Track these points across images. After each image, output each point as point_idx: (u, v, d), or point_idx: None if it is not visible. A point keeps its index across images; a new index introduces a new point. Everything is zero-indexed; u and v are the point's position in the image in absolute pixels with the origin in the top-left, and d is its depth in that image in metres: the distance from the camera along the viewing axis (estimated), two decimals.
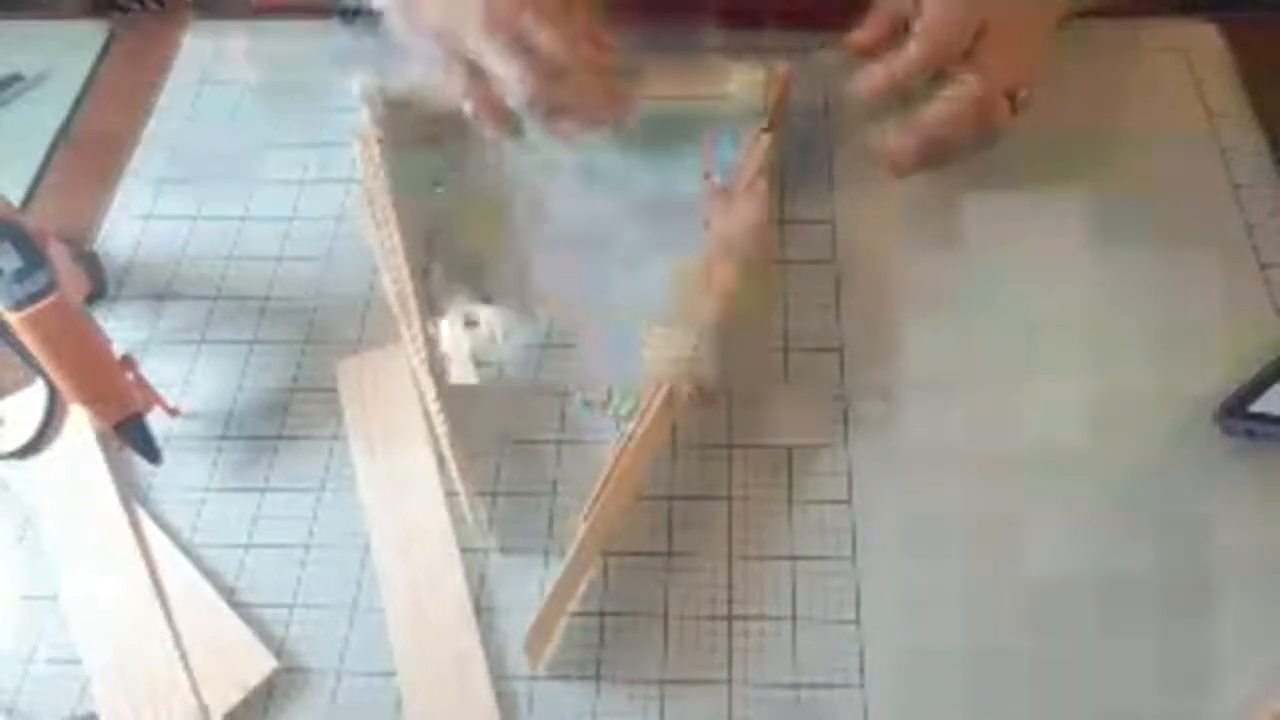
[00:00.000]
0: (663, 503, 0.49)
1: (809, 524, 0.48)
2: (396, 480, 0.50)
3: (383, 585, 0.47)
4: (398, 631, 0.46)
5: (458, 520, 0.48)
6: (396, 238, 0.54)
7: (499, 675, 0.45)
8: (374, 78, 0.60)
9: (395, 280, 0.53)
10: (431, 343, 0.52)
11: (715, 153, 0.59)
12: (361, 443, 0.51)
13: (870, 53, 0.55)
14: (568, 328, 0.54)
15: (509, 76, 0.51)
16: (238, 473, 0.51)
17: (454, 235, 0.58)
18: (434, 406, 0.50)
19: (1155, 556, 0.46)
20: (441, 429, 0.49)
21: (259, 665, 0.45)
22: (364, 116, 0.59)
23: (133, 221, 0.60)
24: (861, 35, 0.56)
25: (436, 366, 0.52)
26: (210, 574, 0.48)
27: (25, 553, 0.49)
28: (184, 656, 0.45)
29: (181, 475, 0.51)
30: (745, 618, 0.46)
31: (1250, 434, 0.48)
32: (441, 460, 0.50)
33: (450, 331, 0.54)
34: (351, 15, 0.67)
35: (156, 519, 0.49)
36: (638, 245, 0.57)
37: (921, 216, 0.57)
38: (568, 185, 0.60)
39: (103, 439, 0.51)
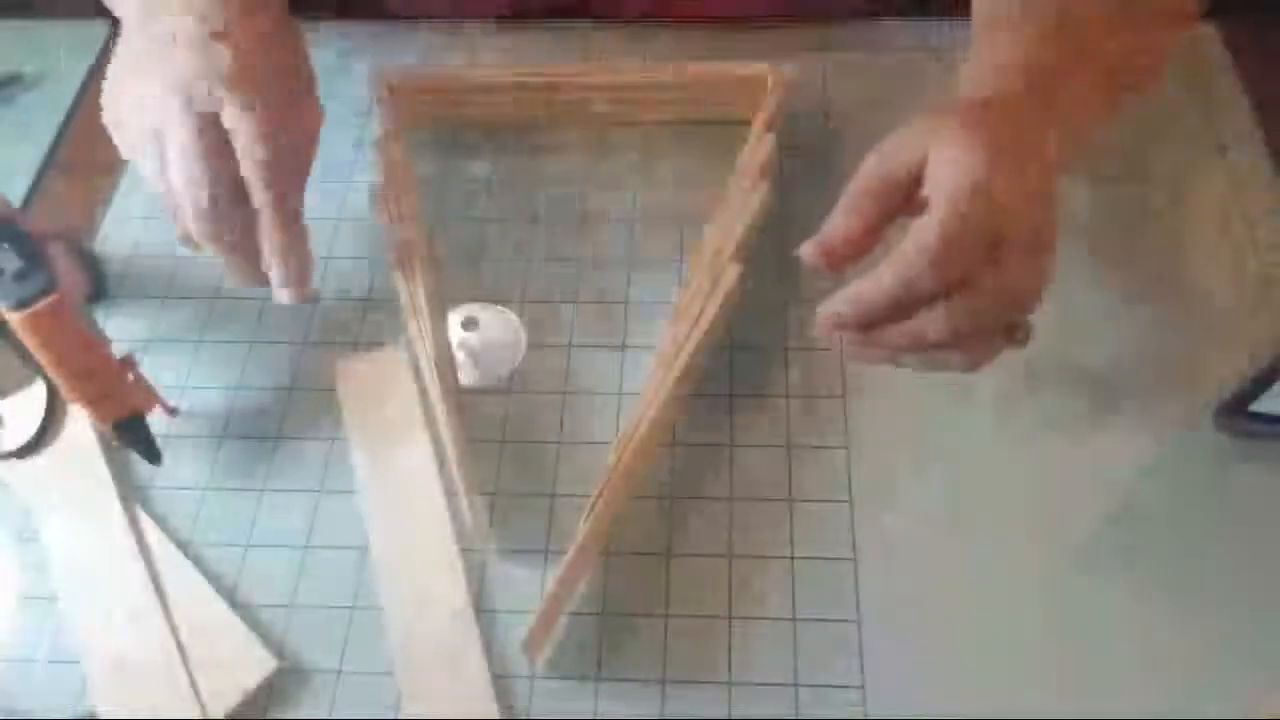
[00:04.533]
0: (663, 502, 0.49)
1: (809, 524, 0.48)
2: (396, 480, 0.50)
3: (382, 585, 0.47)
4: (397, 631, 0.46)
5: (458, 520, 0.48)
6: (412, 235, 0.55)
7: (499, 675, 0.45)
8: (382, 67, 0.61)
9: (407, 277, 0.53)
10: (442, 341, 0.52)
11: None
12: (360, 443, 0.51)
13: (841, 261, 0.42)
14: (569, 328, 0.55)
15: (174, 168, 0.45)
16: (237, 473, 0.51)
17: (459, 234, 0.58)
18: (440, 405, 0.50)
19: (1155, 556, 0.46)
20: (447, 428, 0.49)
21: (259, 665, 0.45)
22: (381, 108, 0.59)
23: (133, 221, 0.60)
24: (835, 237, 0.42)
25: (445, 365, 0.52)
26: (210, 574, 0.48)
27: (25, 553, 0.49)
28: (184, 656, 0.45)
29: (181, 475, 0.51)
30: (745, 617, 0.46)
31: (1250, 434, 0.48)
32: (442, 460, 0.50)
33: (451, 332, 0.54)
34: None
35: (156, 519, 0.49)
36: (640, 246, 0.57)
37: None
38: (569, 187, 0.60)
39: (103, 439, 0.51)
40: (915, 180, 0.42)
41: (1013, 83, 0.45)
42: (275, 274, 0.47)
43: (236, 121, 0.45)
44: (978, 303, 0.40)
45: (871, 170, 0.43)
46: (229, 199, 0.45)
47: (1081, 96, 0.47)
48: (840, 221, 0.42)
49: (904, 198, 0.42)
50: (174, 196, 0.46)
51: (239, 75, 0.45)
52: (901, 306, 0.40)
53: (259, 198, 0.45)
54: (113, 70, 0.48)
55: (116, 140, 0.48)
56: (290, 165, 0.46)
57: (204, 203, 0.45)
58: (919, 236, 0.39)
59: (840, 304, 0.41)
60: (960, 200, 0.39)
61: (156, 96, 0.45)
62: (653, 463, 0.50)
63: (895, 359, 0.43)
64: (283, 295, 0.47)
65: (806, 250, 0.42)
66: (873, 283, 0.40)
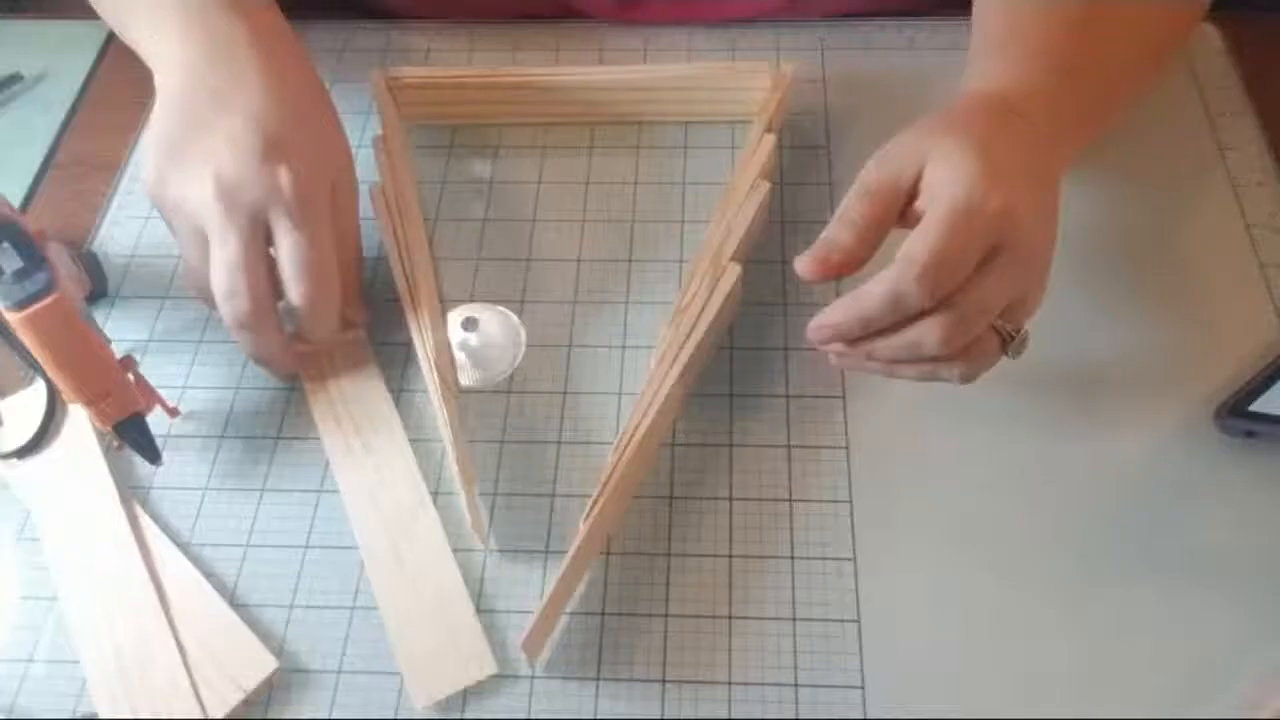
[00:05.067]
0: (663, 503, 0.49)
1: (809, 523, 0.48)
2: (377, 473, 0.50)
3: (373, 585, 0.47)
4: (390, 618, 0.46)
5: (458, 520, 0.48)
6: (412, 236, 0.55)
7: (499, 674, 0.45)
8: (381, 66, 0.61)
9: (408, 278, 0.53)
10: (441, 341, 0.53)
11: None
12: (335, 438, 0.51)
13: (836, 274, 0.42)
14: (569, 328, 0.55)
15: (217, 273, 0.46)
16: (237, 473, 0.51)
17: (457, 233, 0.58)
18: (440, 405, 0.50)
19: (1155, 556, 0.46)
20: (447, 428, 0.49)
21: (259, 665, 0.45)
22: (381, 108, 0.59)
23: (133, 221, 0.60)
24: (829, 250, 0.41)
25: (445, 365, 0.52)
26: (210, 574, 0.48)
27: (25, 553, 0.49)
28: (184, 656, 0.45)
29: (181, 475, 0.51)
30: (745, 617, 0.46)
31: (1250, 434, 0.48)
32: (442, 460, 0.50)
33: (451, 332, 0.54)
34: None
35: (156, 519, 0.49)
36: (640, 246, 0.57)
37: None
38: (569, 187, 0.60)
39: (103, 439, 0.51)
40: (913, 190, 0.42)
41: (1016, 94, 0.45)
42: (283, 366, 0.51)
43: (283, 243, 0.46)
44: (970, 315, 0.40)
45: (868, 180, 0.43)
46: (267, 306, 0.47)
47: (1085, 110, 0.47)
48: (834, 234, 0.42)
49: (901, 208, 0.42)
50: (208, 295, 0.47)
51: (300, 200, 0.46)
52: (894, 319, 0.40)
53: (304, 316, 0.48)
54: (155, 139, 0.48)
55: (163, 217, 0.49)
56: (333, 280, 0.48)
57: (242, 314, 0.46)
58: (911, 251, 0.39)
59: (832, 316, 0.41)
60: (955, 215, 0.39)
61: (203, 196, 0.46)
62: (653, 463, 0.50)
63: (890, 370, 0.43)
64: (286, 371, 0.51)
65: (801, 265, 0.42)
66: (864, 296, 0.40)
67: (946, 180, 0.40)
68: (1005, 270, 0.40)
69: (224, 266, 0.46)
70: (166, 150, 0.47)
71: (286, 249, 0.46)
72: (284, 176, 0.46)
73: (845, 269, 0.42)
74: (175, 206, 0.47)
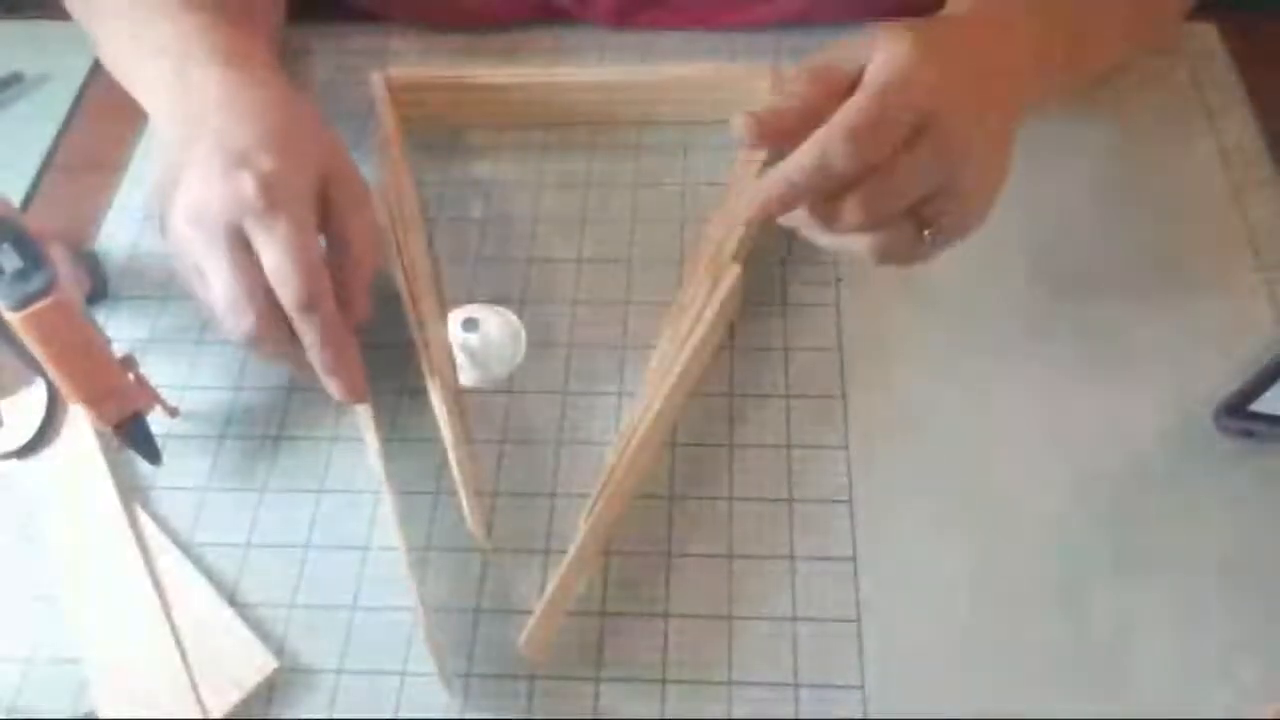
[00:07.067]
0: (663, 502, 0.49)
1: (809, 524, 0.48)
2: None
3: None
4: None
5: (458, 520, 0.48)
6: (412, 236, 0.55)
7: (499, 674, 0.45)
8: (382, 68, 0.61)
9: (410, 279, 0.53)
10: (441, 341, 0.53)
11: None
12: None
13: (769, 137, 0.43)
14: (569, 328, 0.55)
15: (216, 296, 0.45)
16: (238, 473, 0.51)
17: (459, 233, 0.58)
18: (440, 405, 0.50)
19: (1155, 556, 0.46)
20: (447, 428, 0.49)
21: (259, 665, 0.45)
22: (381, 110, 0.59)
23: (133, 221, 0.60)
24: (766, 111, 0.43)
25: (445, 365, 0.52)
26: (210, 574, 0.48)
27: (25, 553, 0.49)
28: (184, 656, 0.45)
29: (181, 475, 0.51)
30: (745, 618, 0.46)
31: (1250, 434, 0.48)
32: (442, 460, 0.50)
33: (451, 332, 0.54)
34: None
35: (156, 519, 0.49)
36: (640, 246, 0.57)
37: None
38: (569, 187, 0.60)
39: (103, 439, 0.51)
40: (857, 80, 0.43)
41: (977, 19, 0.46)
42: (327, 384, 0.47)
43: (261, 249, 0.44)
44: (888, 186, 0.42)
45: (815, 63, 0.45)
46: (273, 315, 0.45)
47: (1050, 47, 0.48)
48: (775, 103, 0.44)
49: (843, 95, 0.43)
50: (219, 319, 0.46)
51: (268, 200, 0.44)
52: (824, 182, 0.42)
53: (296, 322, 0.45)
54: (156, 169, 0.48)
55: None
56: (321, 276, 0.45)
57: (248, 326, 0.45)
58: (841, 115, 0.41)
59: (773, 176, 0.43)
60: (887, 87, 0.41)
61: (182, 229, 0.45)
62: (653, 463, 0.50)
63: (815, 234, 0.45)
64: (336, 393, 0.47)
65: (736, 120, 0.43)
66: (798, 156, 0.42)
67: (885, 59, 0.42)
68: (928, 151, 0.41)
69: (218, 289, 0.44)
70: (159, 203, 0.47)
71: (266, 255, 0.44)
72: (247, 182, 0.44)
73: (779, 137, 0.43)
74: (175, 251, 0.47)
